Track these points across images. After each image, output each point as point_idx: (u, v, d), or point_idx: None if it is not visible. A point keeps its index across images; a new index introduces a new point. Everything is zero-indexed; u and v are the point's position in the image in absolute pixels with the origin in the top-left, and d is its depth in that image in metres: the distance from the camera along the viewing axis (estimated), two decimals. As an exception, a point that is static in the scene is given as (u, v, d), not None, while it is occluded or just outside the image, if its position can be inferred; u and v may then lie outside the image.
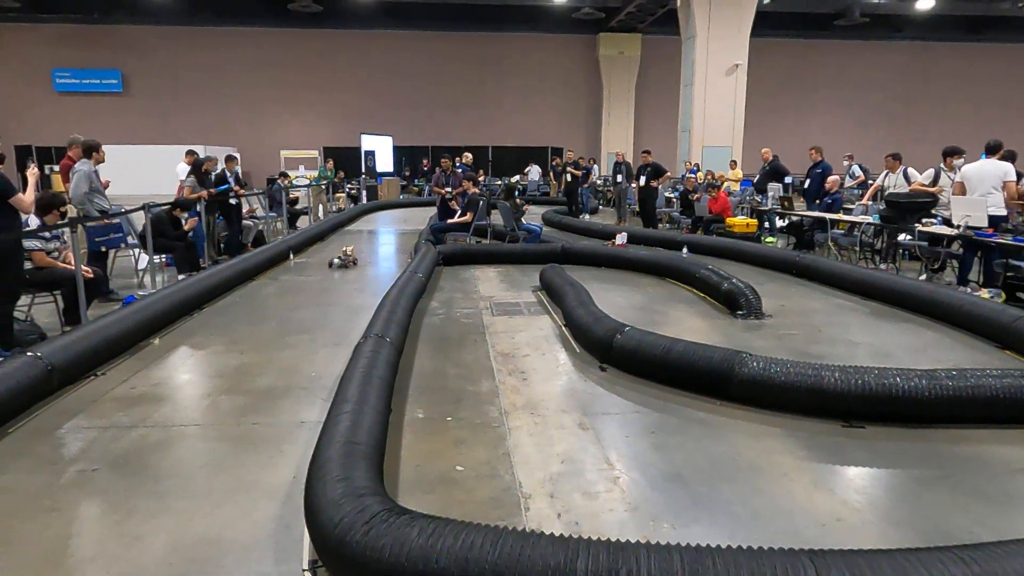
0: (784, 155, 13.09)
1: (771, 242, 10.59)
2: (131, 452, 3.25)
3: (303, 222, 13.47)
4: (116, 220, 6.69)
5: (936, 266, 7.53)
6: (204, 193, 8.10)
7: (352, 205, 17.04)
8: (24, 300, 5.25)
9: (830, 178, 9.77)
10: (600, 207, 18.49)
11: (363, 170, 18.97)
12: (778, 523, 2.65)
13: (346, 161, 21.65)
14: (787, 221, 10.52)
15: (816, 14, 25.61)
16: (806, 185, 10.57)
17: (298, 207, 13.72)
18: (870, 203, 8.97)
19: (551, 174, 22.02)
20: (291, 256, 9.18)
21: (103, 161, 6.73)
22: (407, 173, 22.96)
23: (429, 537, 2.05)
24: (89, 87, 26.69)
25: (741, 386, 3.82)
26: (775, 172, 11.13)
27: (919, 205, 7.52)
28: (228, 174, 8.79)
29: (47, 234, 5.25)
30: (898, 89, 29.46)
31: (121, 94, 26.95)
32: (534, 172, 23.34)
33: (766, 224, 11.20)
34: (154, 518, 2.65)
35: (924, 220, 7.41)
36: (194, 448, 3.31)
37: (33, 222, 5.35)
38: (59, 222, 5.30)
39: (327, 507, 2.28)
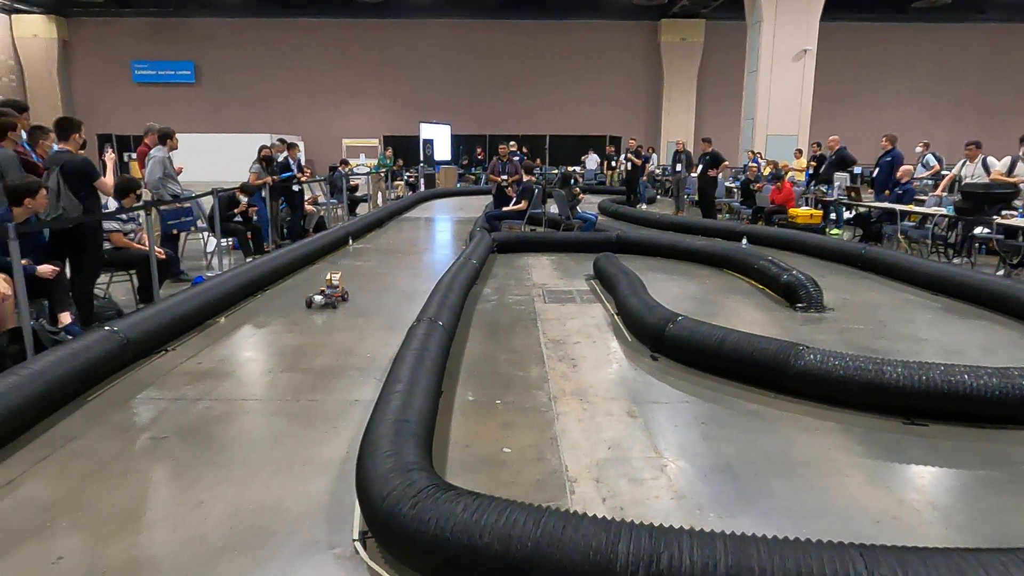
0: (853, 145, 12.57)
1: (836, 234, 10.21)
2: (197, 423, 3.43)
3: (362, 209, 13.78)
4: (187, 204, 7.01)
5: (1016, 261, 7.11)
6: (268, 179, 8.38)
7: (410, 193, 17.30)
8: (103, 279, 5.59)
9: (901, 168, 9.33)
10: (658, 197, 18.19)
11: (421, 158, 19.20)
12: (830, 520, 2.59)
13: (404, 149, 21.99)
14: (854, 212, 10.12)
15: (893, -4, 24.38)
16: (875, 174, 10.14)
17: (358, 194, 14.02)
18: (944, 194, 8.53)
19: (606, 163, 21.78)
20: (350, 242, 9.42)
21: (176, 148, 7.05)
22: (464, 161, 23.11)
23: (474, 513, 2.10)
24: (165, 78, 27.94)
25: (797, 379, 3.72)
26: (842, 161, 10.70)
27: (998, 196, 7.11)
28: (291, 161, 9.07)
29: (124, 216, 5.55)
30: (979, 76, 27.78)
31: (194, 84, 28.11)
32: (591, 161, 23.14)
33: (831, 215, 10.80)
34: (216, 485, 2.80)
35: (1003, 212, 7.01)
36: (254, 422, 3.46)
37: (111, 205, 5.66)
38: (135, 205, 5.59)
39: (377, 481, 2.36)
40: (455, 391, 3.89)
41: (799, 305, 5.86)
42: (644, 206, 15.20)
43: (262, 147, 8.58)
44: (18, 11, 26.05)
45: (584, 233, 9.30)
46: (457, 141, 24.08)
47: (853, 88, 27.40)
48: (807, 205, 10.72)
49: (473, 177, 22.15)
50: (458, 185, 20.44)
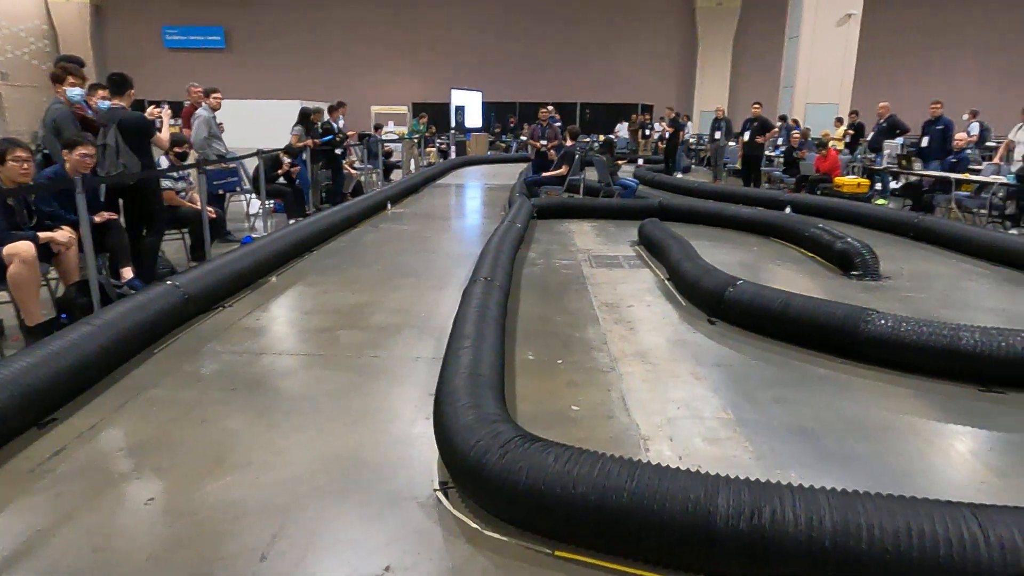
0: (898, 114, 12.16)
1: (882, 204, 9.93)
2: (265, 375, 3.46)
3: (396, 175, 13.74)
4: (233, 165, 7.02)
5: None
6: (310, 142, 8.36)
7: (442, 160, 17.20)
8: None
9: (958, 135, 8.99)
10: (692, 166, 17.85)
11: (453, 125, 19.02)
12: (917, 482, 2.53)
13: (434, 117, 21.79)
14: (902, 182, 9.82)
15: (943, -42, 23.34)
16: (924, 143, 9.80)
17: (392, 160, 13.97)
18: (1002, 162, 8.22)
19: (640, 131, 21.39)
20: (388, 206, 9.40)
21: (219, 107, 7.04)
22: (497, 129, 22.86)
23: (566, 464, 2.08)
24: (195, 43, 27.93)
25: (867, 344, 3.63)
26: (893, 128, 10.35)
27: (1065, 164, 6.82)
28: (334, 124, 9.02)
29: (176, 174, 5.57)
30: (1030, 43, 26.63)
31: (224, 50, 28.08)
32: (623, 130, 22.75)
33: (877, 185, 10.50)
34: (293, 434, 2.82)
35: (1070, 180, 6.73)
36: (321, 375, 3.48)
37: (163, 163, 5.69)
38: (185, 163, 5.61)
39: (461, 431, 2.35)
40: (515, 351, 3.87)
41: (854, 273, 5.73)
42: (680, 175, 14.94)
43: (304, 109, 8.53)
44: (51, -25, 26.14)
45: (625, 200, 9.16)
46: (488, 108, 23.80)
47: (896, 56, 26.45)
48: (853, 174, 10.43)
49: (504, 145, 21.94)
50: (489, 153, 20.26)
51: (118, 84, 4.64)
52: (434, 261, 6.31)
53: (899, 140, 10.04)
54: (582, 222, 8.62)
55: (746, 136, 11.37)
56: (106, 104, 4.80)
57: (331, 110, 9.37)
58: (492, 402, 2.56)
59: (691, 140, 19.17)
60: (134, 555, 2.05)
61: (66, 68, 4.39)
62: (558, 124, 10.41)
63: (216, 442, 2.74)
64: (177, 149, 5.64)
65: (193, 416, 2.98)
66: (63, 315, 3.83)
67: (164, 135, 4.96)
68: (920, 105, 12.30)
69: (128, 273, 4.40)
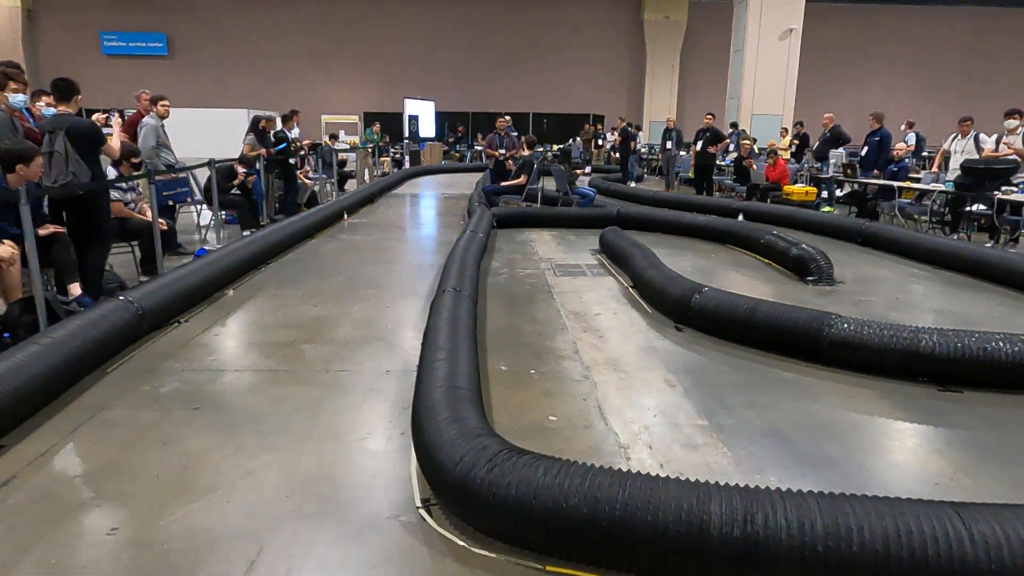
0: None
1: (828, 211, 10.28)
2: (228, 393, 3.32)
3: (350, 185, 13.54)
4: (183, 175, 6.77)
5: (1016, 236, 7.23)
6: (263, 151, 8.15)
7: (396, 170, 17.04)
8: (103, 250, 5.37)
9: (898, 145, 9.41)
10: (644, 175, 18.17)
11: (406, 135, 18.89)
12: (890, 480, 2.60)
13: (387, 126, 21.60)
14: (846, 190, 10.20)
15: (875, -24, 24.53)
16: (862, 153, 10.21)
17: (346, 170, 13.76)
18: (940, 171, 8.63)
19: (592, 142, 21.65)
20: (345, 216, 9.24)
21: (167, 116, 6.79)
22: (451, 139, 22.80)
23: (556, 476, 2.05)
24: (136, 50, 26.99)
25: (831, 348, 3.72)
26: (836, 138, 10.76)
27: (999, 171, 7.20)
28: (287, 133, 8.82)
29: (124, 185, 5.33)
30: (960, 59, 28.18)
31: (166, 57, 27.23)
32: (576, 143, 23.01)
33: (823, 193, 10.88)
34: (262, 454, 2.70)
35: (1003, 188, 7.11)
36: (287, 392, 3.36)
37: (110, 173, 5.44)
38: (134, 173, 5.38)
39: (445, 446, 2.29)
40: (487, 361, 3.82)
41: (809, 278, 5.89)
42: (633, 184, 15.18)
43: (256, 118, 8.32)
44: (-21, -23, 24.91)
45: (584, 208, 9.23)
46: (441, 118, 23.73)
47: (836, 69, 27.62)
48: (801, 182, 10.78)
49: (457, 155, 21.90)
50: (443, 162, 20.19)
51: (64, 90, 4.40)
52: (395, 272, 6.21)
53: (842, 150, 10.44)
54: (542, 231, 8.65)
55: (698, 146, 11.64)
56: (51, 111, 4.55)
57: (285, 119, 9.17)
58: (474, 415, 2.51)
59: (643, 150, 19.50)
60: (99, 590, 1.92)
61: (6, 73, 4.14)
62: (515, 134, 10.42)
63: (180, 465, 2.60)
64: (134, 160, 5.40)
65: (153, 438, 2.82)
66: (6, 334, 3.60)
67: (115, 143, 4.74)
68: (857, 115, 12.83)
69: (76, 289, 4.17)
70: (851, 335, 3.67)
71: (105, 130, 4.91)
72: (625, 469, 2.57)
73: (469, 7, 26.85)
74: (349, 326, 4.47)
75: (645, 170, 18.66)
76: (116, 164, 5.28)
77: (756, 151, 12.38)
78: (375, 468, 2.63)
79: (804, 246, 6.20)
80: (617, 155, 17.26)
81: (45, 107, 4.79)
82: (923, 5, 26.91)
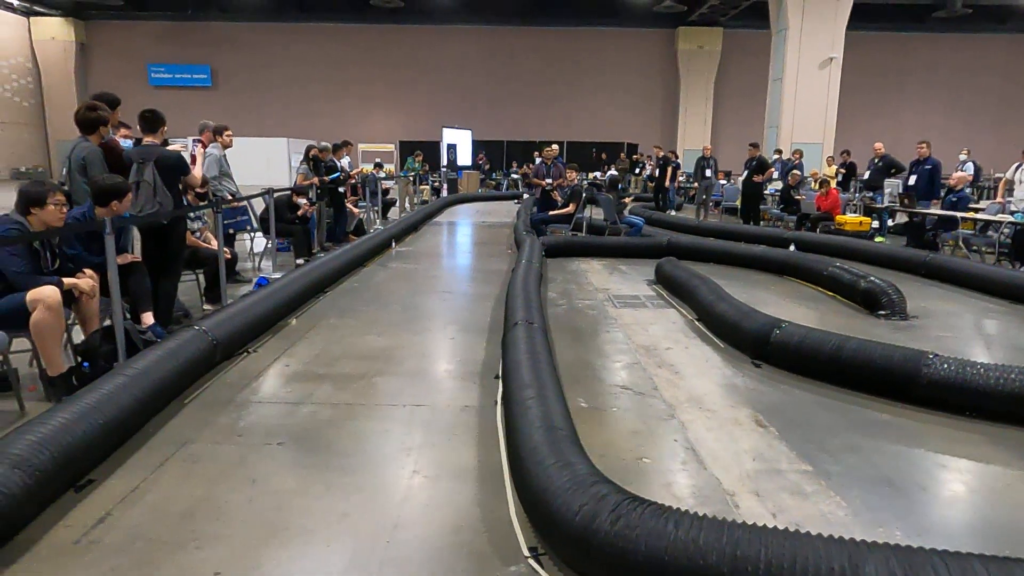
0: (871, 153, 12.41)
1: (880, 241, 10.03)
2: (308, 427, 3.25)
3: (392, 214, 13.64)
4: (243, 203, 6.84)
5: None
6: (315, 180, 8.22)
7: (435, 198, 17.15)
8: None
9: (956, 175, 9.16)
10: (683, 203, 18.02)
11: (444, 163, 19.06)
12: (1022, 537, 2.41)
13: (424, 155, 21.85)
14: (894, 220, 9.94)
15: (913, 5, 24.33)
16: (911, 181, 9.97)
17: (388, 198, 13.87)
18: (1004, 201, 8.36)
19: (631, 170, 21.59)
20: (393, 245, 9.26)
21: (230, 145, 6.89)
22: (487, 167, 22.96)
23: (688, 531, 1.92)
24: (181, 81, 27.85)
25: (929, 388, 3.54)
26: (889, 167, 10.53)
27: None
28: (337, 162, 8.91)
29: (192, 214, 5.37)
30: (997, 86, 27.71)
31: (210, 88, 28.04)
32: (612, 172, 23.01)
33: (874, 223, 10.63)
34: (353, 495, 2.61)
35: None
36: (368, 427, 3.28)
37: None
38: (200, 203, 5.43)
39: (560, 494, 2.18)
40: (565, 397, 3.70)
41: (881, 312, 5.68)
42: (672, 212, 15.06)
43: (309, 147, 8.42)
44: (36, 13, 26.02)
45: (633, 238, 9.12)
46: (477, 147, 23.94)
47: (874, 97, 27.34)
48: (853, 212, 10.55)
49: (493, 183, 22.02)
50: (480, 191, 20.31)
51: (151, 121, 4.47)
52: (452, 302, 6.16)
53: (898, 179, 10.21)
54: (591, 260, 8.55)
55: (744, 175, 11.48)
56: (128, 143, 4.62)
57: (335, 149, 9.26)
58: (581, 460, 2.39)
59: (681, 179, 19.37)
60: (211, 642, 1.83)
61: (95, 120, 4.18)
62: (562, 163, 10.40)
63: (271, 506, 2.52)
64: (200, 190, 5.47)
65: (240, 475, 2.75)
66: (85, 364, 3.59)
67: (197, 172, 4.80)
68: (892, 142, 12.50)
69: (149, 318, 4.17)
70: (952, 375, 3.48)
71: None
72: (740, 520, 2.44)
73: (505, 37, 27.25)
74: (416, 358, 4.40)
75: (683, 199, 18.51)
76: (184, 193, 5.33)
77: (803, 180, 12.17)
78: (471, 512, 2.52)
79: (873, 279, 6.00)
80: (652, 184, 17.19)
81: (122, 139, 4.86)
82: (959, 33, 26.57)
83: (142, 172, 4.27)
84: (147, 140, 4.51)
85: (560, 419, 2.76)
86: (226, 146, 6.80)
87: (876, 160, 10.87)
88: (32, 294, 3.30)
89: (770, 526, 1.95)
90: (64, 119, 26.64)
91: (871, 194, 10.42)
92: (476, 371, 4.14)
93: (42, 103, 27.35)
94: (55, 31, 26.58)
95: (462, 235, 11.98)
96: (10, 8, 25.29)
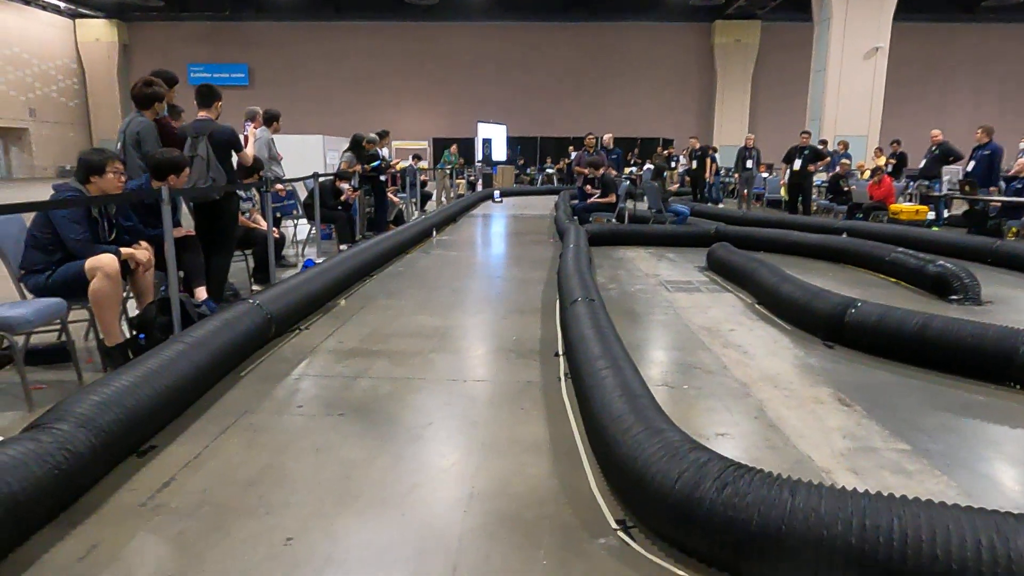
0: (921, 144, 11.93)
1: (937, 231, 9.62)
2: (368, 400, 3.13)
3: (429, 206, 13.57)
4: (290, 187, 6.80)
5: None
6: (358, 167, 8.17)
7: (469, 192, 17.07)
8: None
9: (1019, 161, 8.73)
10: (722, 196, 17.65)
11: (479, 157, 18.97)
12: None
13: (460, 150, 21.82)
14: (958, 211, 9.52)
15: (962, -7, 23.56)
16: (968, 168, 9.53)
17: (426, 190, 13.81)
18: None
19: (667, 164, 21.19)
20: (434, 233, 9.17)
21: (279, 131, 6.86)
22: (520, 162, 22.85)
23: (807, 499, 1.74)
24: (219, 80, 28.19)
25: (1029, 368, 3.28)
26: (946, 155, 10.10)
27: None
28: (379, 151, 8.84)
29: (243, 194, 5.33)
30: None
31: (247, 87, 28.41)
32: (647, 167, 22.68)
33: (929, 214, 10.20)
34: (423, 466, 2.48)
35: None
36: (430, 401, 3.15)
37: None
38: (250, 181, 5.38)
39: (653, 462, 2.01)
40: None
41: (953, 297, 5.38)
42: (722, 204, 14.72)
43: (356, 135, 8.39)
44: (81, 15, 26.67)
45: (679, 227, 8.89)
46: (512, 142, 23.84)
47: (920, 89, 26.54)
48: (908, 201, 10.14)
49: (528, 178, 21.89)
50: (514, 185, 20.20)
51: (206, 96, 4.43)
52: (500, 285, 6.02)
53: (957, 167, 9.78)
54: (636, 249, 8.34)
55: (796, 164, 11.01)
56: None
57: (381, 136, 9.20)
58: (670, 426, 2.22)
59: (721, 172, 18.97)
60: (290, 608, 1.70)
61: (151, 95, 4.13)
62: (604, 153, 10.19)
63: (339, 475, 2.40)
64: (257, 175, 5.42)
65: (304, 444, 2.64)
66: (140, 336, 3.53)
67: (249, 151, 4.75)
68: (946, 135, 11.98)
69: (202, 293, 4.12)
70: (1055, 354, 3.22)
71: None
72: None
73: (539, 33, 27.10)
74: (472, 337, 4.28)
75: (722, 192, 18.12)
76: (245, 175, 5.29)
77: (851, 171, 11.75)
78: (549, 484, 2.36)
79: (943, 262, 5.69)
80: (689, 179, 16.82)
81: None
82: (1007, 23, 25.65)
83: (196, 147, 4.22)
84: (201, 115, 4.46)
85: (640, 388, 2.59)
86: (276, 132, 6.77)
87: (933, 148, 10.45)
88: (91, 262, 3.24)
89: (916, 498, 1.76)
90: (108, 118, 27.28)
91: (928, 182, 10.00)
92: (535, 349, 3.99)
93: (87, 103, 28.04)
94: (99, 33, 27.22)
95: (501, 226, 11.84)
96: (57, 11, 25.97)
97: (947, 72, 26.93)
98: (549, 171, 21.84)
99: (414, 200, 11.84)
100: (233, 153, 4.68)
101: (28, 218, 3.47)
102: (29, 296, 3.33)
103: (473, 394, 3.25)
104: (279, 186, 6.38)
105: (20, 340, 3.27)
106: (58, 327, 3.39)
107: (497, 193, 15.44)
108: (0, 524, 1.78)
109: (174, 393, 2.71)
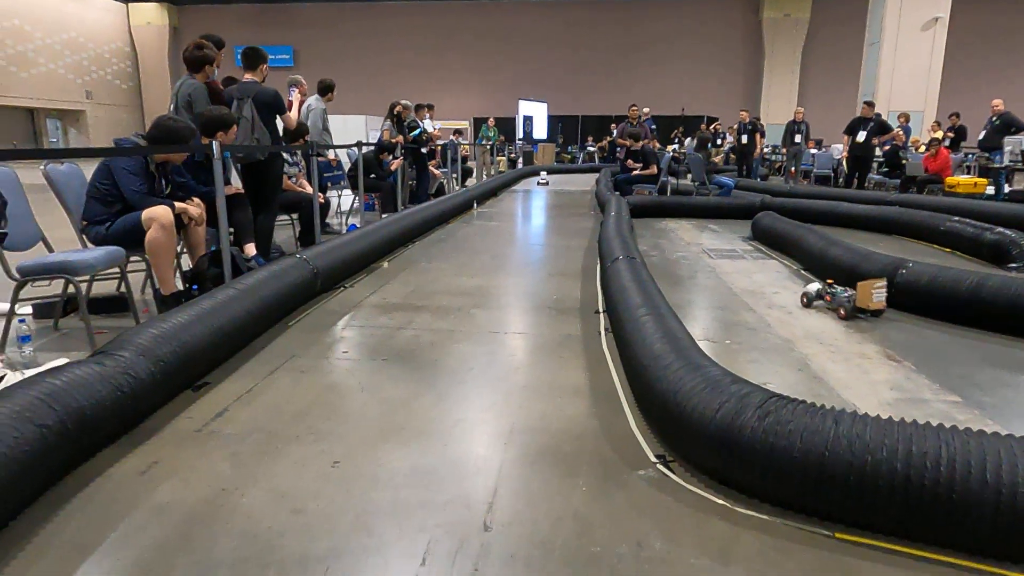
0: (979, 120, 11.35)
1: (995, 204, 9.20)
2: (411, 348, 3.19)
3: (469, 183, 13.61)
4: (337, 159, 6.92)
5: None
6: (400, 138, 8.23)
7: (510, 168, 17.05)
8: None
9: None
10: (768, 174, 17.22)
11: (521, 135, 18.91)
12: None
13: (500, 129, 21.78)
14: (1019, 187, 9.09)
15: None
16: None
17: (466, 166, 13.85)
18: None
19: (711, 142, 20.77)
20: (475, 205, 9.21)
21: (332, 100, 6.97)
22: (561, 140, 22.70)
23: (852, 427, 1.72)
24: (265, 62, 28.72)
25: (1092, 326, 3.15)
26: (1008, 125, 9.64)
27: None
28: (419, 123, 8.89)
29: (289, 158, 5.44)
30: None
31: (292, 68, 28.84)
32: (690, 142, 22.27)
33: (988, 188, 9.77)
34: (465, 404, 2.53)
35: None
36: (471, 350, 3.19)
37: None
38: (299, 146, 5.48)
39: (692, 395, 2.01)
40: (672, 330, 3.51)
41: (1012, 265, 5.18)
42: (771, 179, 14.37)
43: (394, 104, 8.43)
44: (134, 0, 27.38)
45: (723, 198, 8.73)
46: (553, 121, 23.67)
47: (979, 62, 25.30)
48: (965, 173, 9.73)
49: (569, 156, 21.74)
50: (555, 163, 20.09)
51: (251, 58, 4.53)
52: (541, 252, 6.03)
53: (1019, 137, 9.32)
54: (679, 220, 8.23)
55: (860, 137, 10.41)
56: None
57: (417, 109, 9.25)
58: (711, 363, 2.22)
59: (767, 149, 18.50)
60: (337, 517, 1.77)
61: (202, 58, 4.23)
62: (647, 124, 10.04)
63: (385, 411, 2.47)
64: (303, 139, 5.53)
65: (350, 384, 2.72)
66: (194, 287, 3.67)
67: (293, 114, 4.85)
68: (1008, 102, 11.39)
69: (252, 249, 4.24)
70: (1121, 311, 3.08)
71: None
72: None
73: (582, 10, 26.74)
74: (512, 295, 4.31)
75: (769, 169, 17.69)
76: (291, 138, 5.40)
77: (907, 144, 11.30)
78: (588, 423, 2.38)
79: (1000, 229, 5.48)
80: (734, 156, 16.40)
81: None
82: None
83: (241, 108, 4.32)
84: (247, 77, 4.57)
85: (681, 331, 2.58)
86: (329, 102, 6.87)
87: (994, 118, 9.98)
88: (147, 213, 3.37)
89: (969, 428, 1.72)
90: (159, 99, 28.03)
91: (988, 154, 9.56)
92: (575, 307, 4.00)
93: (139, 85, 28.87)
94: (150, 16, 27.93)
95: (542, 199, 11.80)
96: (111, -5, 26.73)
97: (1010, 43, 25.58)
98: (591, 149, 21.63)
99: (455, 175, 11.89)
100: (277, 117, 4.78)
101: (88, 173, 3.62)
102: (90, 246, 3.48)
103: (514, 345, 3.28)
104: (331, 155, 6.48)
105: (84, 288, 3.43)
106: (117, 276, 3.54)
107: (544, 174, 15.38)
108: (69, 436, 1.89)
109: (226, 335, 2.82)
